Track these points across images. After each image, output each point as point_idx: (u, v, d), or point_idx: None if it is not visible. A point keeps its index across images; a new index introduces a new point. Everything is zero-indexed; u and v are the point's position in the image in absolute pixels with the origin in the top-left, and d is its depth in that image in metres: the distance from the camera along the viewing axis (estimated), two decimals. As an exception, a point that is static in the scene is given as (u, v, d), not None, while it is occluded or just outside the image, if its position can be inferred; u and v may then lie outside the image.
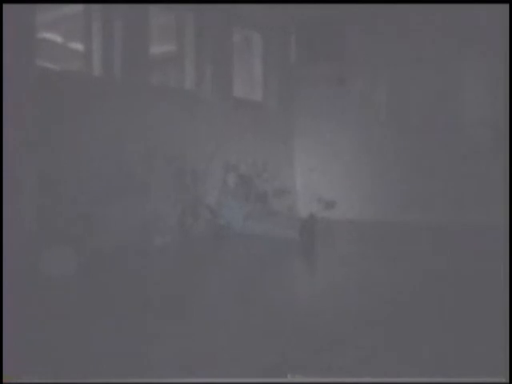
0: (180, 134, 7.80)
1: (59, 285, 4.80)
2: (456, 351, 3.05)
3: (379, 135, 9.24)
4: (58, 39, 9.47)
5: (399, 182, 8.99)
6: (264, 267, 5.88)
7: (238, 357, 3.02)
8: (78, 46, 8.65)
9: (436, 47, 8.61)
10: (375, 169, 9.26)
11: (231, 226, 7.79)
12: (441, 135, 8.68)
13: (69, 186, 6.29)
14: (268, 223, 7.61)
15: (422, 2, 8.04)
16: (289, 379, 2.65)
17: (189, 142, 7.94)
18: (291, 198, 9.61)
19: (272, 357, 2.99)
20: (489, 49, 8.09)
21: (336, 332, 3.45)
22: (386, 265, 5.73)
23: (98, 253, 6.21)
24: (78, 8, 7.38)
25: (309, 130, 9.92)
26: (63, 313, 3.94)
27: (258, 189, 8.51)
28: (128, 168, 7.02)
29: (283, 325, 3.61)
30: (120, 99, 7.01)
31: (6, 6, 5.10)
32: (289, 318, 3.77)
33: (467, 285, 4.70)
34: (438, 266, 5.53)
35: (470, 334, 3.36)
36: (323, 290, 4.76)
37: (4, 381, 2.57)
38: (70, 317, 3.82)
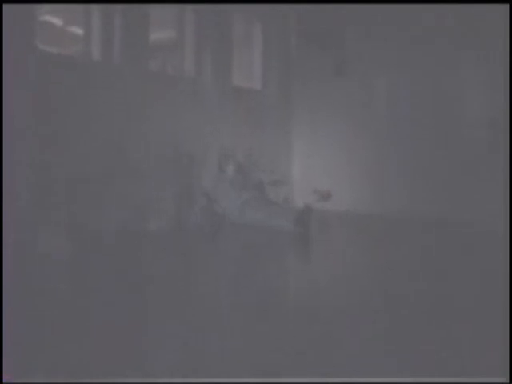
0: (178, 121, 7.77)
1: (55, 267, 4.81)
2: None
3: (377, 126, 9.21)
4: (58, 24, 9.36)
5: (396, 173, 8.97)
6: (258, 256, 5.89)
7: (230, 346, 3.02)
8: (78, 32, 8.56)
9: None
10: (372, 160, 9.23)
11: (227, 213, 7.78)
12: (439, 127, 8.64)
13: (63, 171, 6.28)
14: (264, 213, 7.60)
15: (422, 2, 7.97)
16: (288, 379, 2.64)
17: (186, 129, 7.91)
18: (287, 188, 9.60)
19: (266, 344, 2.99)
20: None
21: (330, 322, 3.45)
22: (380, 256, 5.74)
23: (94, 236, 6.21)
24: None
25: (307, 119, 9.89)
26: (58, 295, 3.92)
27: (254, 178, 8.49)
28: (125, 153, 7.01)
29: (277, 313, 3.61)
30: (118, 85, 6.99)
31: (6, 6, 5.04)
32: (282, 307, 3.77)
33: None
34: (436, 263, 5.52)
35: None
36: (317, 280, 4.77)
37: (4, 381, 2.55)
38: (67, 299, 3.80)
